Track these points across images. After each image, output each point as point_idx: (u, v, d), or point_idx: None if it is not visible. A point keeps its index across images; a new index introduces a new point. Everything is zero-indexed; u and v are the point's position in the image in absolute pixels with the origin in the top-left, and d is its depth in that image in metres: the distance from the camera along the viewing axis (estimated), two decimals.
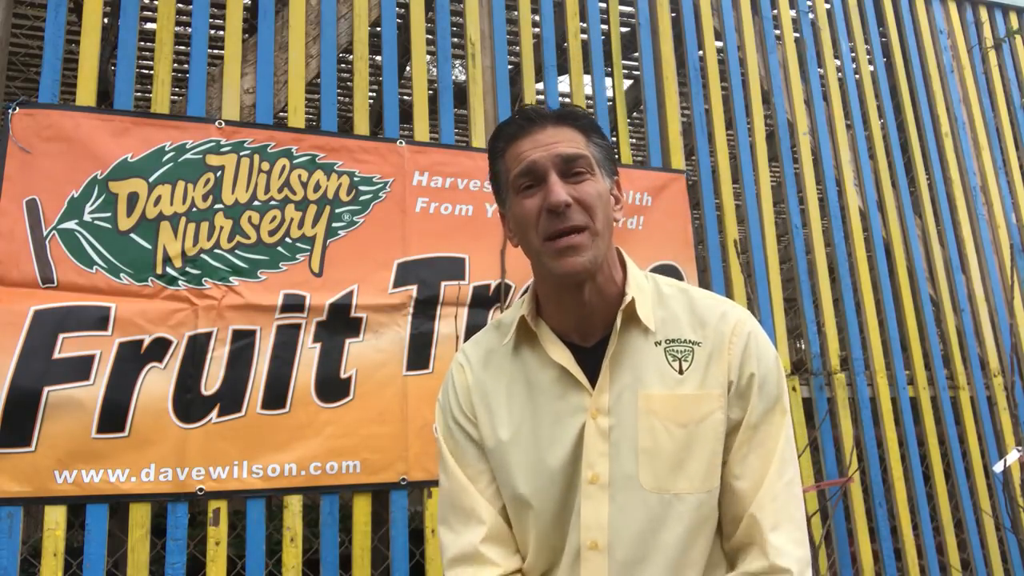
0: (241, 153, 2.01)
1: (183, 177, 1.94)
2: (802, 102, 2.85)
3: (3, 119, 1.85)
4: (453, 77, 2.41)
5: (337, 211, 2.06)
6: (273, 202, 2.01)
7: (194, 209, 1.93)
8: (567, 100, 3.04)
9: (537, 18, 2.56)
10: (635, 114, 3.68)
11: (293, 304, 1.96)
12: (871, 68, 3.10)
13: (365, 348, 2.00)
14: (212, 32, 3.13)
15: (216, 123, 2.01)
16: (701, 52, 2.75)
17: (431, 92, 2.33)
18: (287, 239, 2.00)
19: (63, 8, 1.97)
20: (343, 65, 3.41)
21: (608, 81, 2.90)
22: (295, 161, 2.05)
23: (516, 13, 2.54)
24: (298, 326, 1.95)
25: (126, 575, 1.74)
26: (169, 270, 1.88)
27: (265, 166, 2.02)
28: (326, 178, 2.07)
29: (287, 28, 2.20)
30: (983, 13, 3.32)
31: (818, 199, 2.79)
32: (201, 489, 1.79)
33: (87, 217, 1.85)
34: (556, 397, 1.13)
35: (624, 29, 2.93)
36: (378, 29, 2.36)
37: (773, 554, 1.05)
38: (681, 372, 1.11)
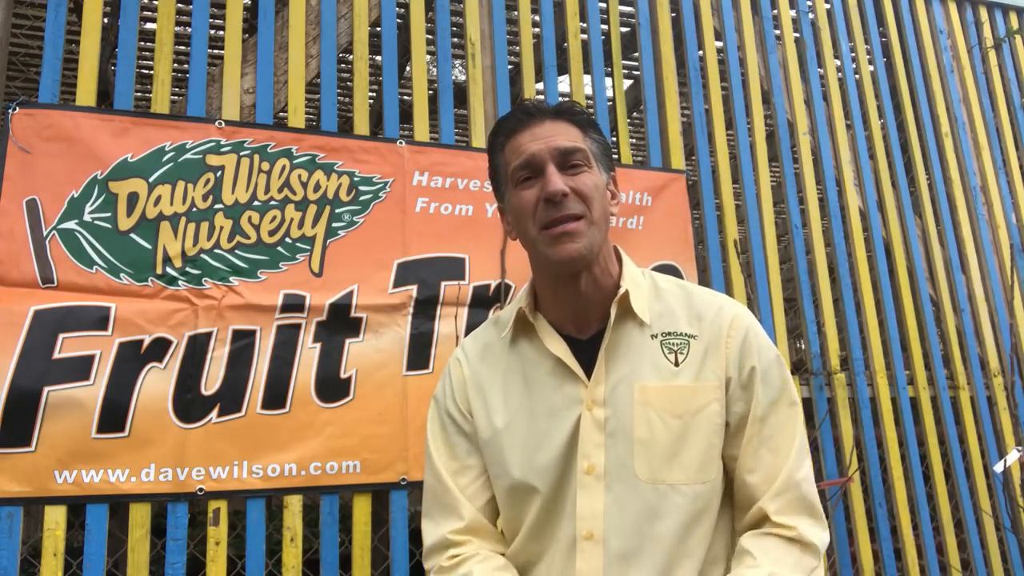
0: (241, 153, 2.01)
1: (183, 177, 1.94)
2: (802, 102, 2.85)
3: (3, 119, 1.85)
4: (453, 77, 2.41)
5: (337, 211, 2.06)
6: (273, 202, 2.01)
7: (194, 209, 1.94)
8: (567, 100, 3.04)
9: (537, 18, 2.56)
10: (635, 114, 3.69)
11: (293, 304, 1.96)
12: (871, 68, 3.10)
13: (365, 348, 2.00)
14: (212, 32, 3.13)
15: (216, 123, 2.01)
16: (701, 52, 2.75)
17: (431, 92, 2.33)
18: (287, 239, 2.00)
19: (63, 8, 1.97)
20: (343, 65, 3.41)
21: (608, 81, 2.90)
22: (295, 161, 2.05)
23: (516, 13, 2.54)
24: (298, 326, 1.95)
25: (126, 575, 1.74)
26: (169, 270, 1.88)
27: (265, 166, 2.02)
28: (326, 178, 2.07)
29: (287, 28, 2.20)
30: (983, 13, 3.32)
31: (818, 199, 2.79)
32: (201, 489, 1.79)
33: (87, 217, 1.85)
34: (552, 388, 1.14)
35: (624, 29, 2.93)
36: (378, 29, 2.36)
37: (795, 531, 1.07)
38: (677, 364, 1.12)
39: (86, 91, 1.93)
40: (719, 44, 2.80)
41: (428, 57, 2.59)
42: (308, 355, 1.94)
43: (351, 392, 1.96)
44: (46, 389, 1.72)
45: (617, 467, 1.09)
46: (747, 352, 1.13)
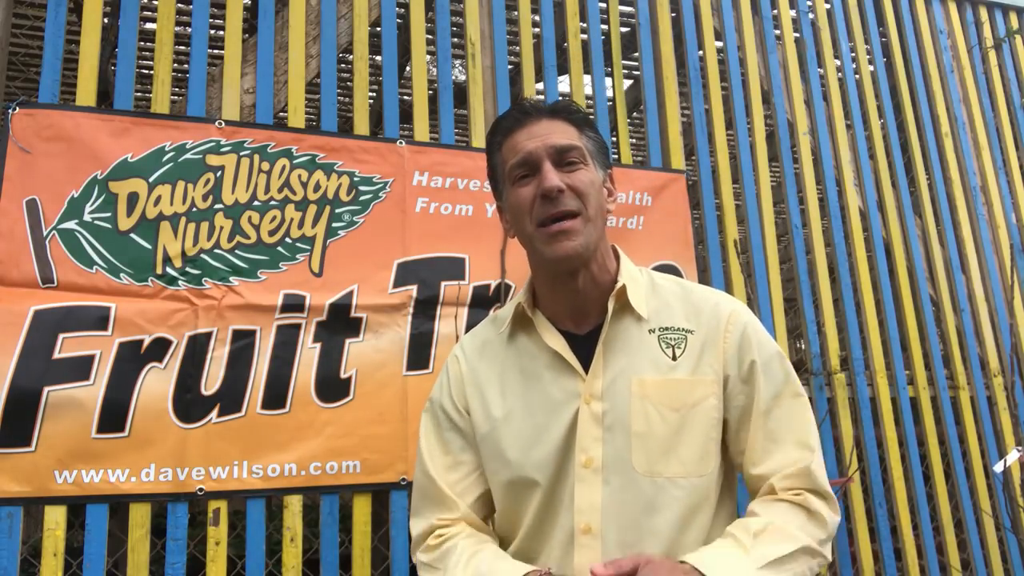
0: (241, 153, 2.01)
1: (183, 177, 1.94)
2: (802, 102, 2.85)
3: (3, 119, 1.85)
4: (453, 77, 2.41)
5: (337, 211, 2.06)
6: (273, 202, 2.01)
7: (194, 209, 1.94)
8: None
9: (537, 18, 2.56)
10: (635, 114, 3.69)
11: (293, 304, 1.96)
12: (871, 68, 3.10)
13: (365, 348, 2.00)
14: (212, 32, 3.13)
15: (216, 123, 2.01)
16: (701, 52, 2.75)
17: (431, 92, 2.33)
18: (287, 239, 2.00)
19: (63, 8, 1.97)
20: (343, 65, 3.41)
21: (608, 81, 2.90)
22: (295, 161, 2.05)
23: (516, 13, 2.54)
24: (298, 326, 1.95)
25: (126, 575, 1.74)
26: (169, 270, 1.88)
27: (265, 166, 2.02)
28: (326, 178, 2.07)
29: (287, 28, 2.20)
30: (983, 13, 3.32)
31: (818, 199, 2.79)
32: (201, 489, 1.79)
33: (87, 217, 1.85)
34: (550, 383, 1.15)
35: (624, 29, 2.93)
36: (378, 29, 2.36)
37: (802, 497, 1.07)
38: (674, 359, 1.13)
39: (86, 91, 1.93)
40: (719, 44, 2.80)
41: (428, 57, 2.59)
42: (308, 355, 1.94)
43: (351, 392, 1.96)
44: (46, 389, 1.72)
45: (615, 460, 1.09)
46: (746, 347, 1.13)
